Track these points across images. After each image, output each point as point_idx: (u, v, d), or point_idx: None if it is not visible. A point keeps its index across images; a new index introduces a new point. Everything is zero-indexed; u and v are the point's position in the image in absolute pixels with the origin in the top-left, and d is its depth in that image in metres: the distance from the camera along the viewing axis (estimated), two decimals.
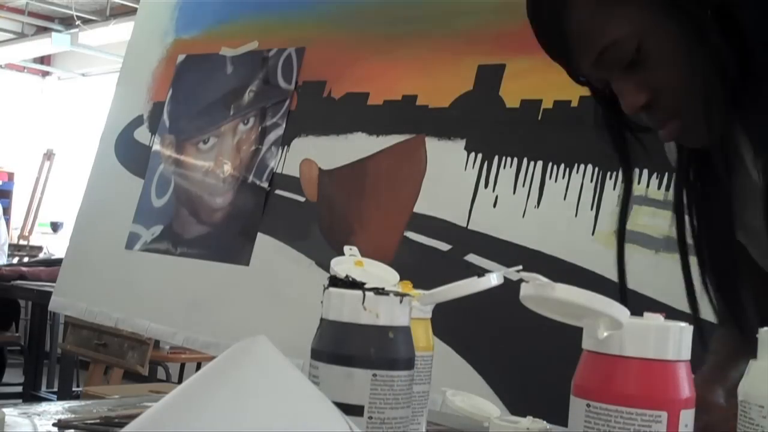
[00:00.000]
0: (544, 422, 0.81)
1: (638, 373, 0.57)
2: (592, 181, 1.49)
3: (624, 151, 0.96)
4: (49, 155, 8.58)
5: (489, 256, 1.58)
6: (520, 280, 0.69)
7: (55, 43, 7.39)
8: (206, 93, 2.28)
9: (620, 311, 0.58)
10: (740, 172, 0.89)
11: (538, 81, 1.61)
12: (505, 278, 0.69)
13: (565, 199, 1.51)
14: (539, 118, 1.59)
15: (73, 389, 4.23)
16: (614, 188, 1.45)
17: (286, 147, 2.02)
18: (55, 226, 8.00)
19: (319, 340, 0.68)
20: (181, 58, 2.42)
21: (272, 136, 2.07)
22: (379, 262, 0.87)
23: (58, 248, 6.22)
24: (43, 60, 9.15)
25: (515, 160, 1.60)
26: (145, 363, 3.48)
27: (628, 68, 0.83)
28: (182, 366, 4.30)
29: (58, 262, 3.65)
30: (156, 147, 2.36)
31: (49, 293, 2.65)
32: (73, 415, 1.00)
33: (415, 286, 0.80)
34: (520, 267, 0.65)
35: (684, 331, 0.59)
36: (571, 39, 0.85)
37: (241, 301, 2.04)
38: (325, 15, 2.05)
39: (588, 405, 0.58)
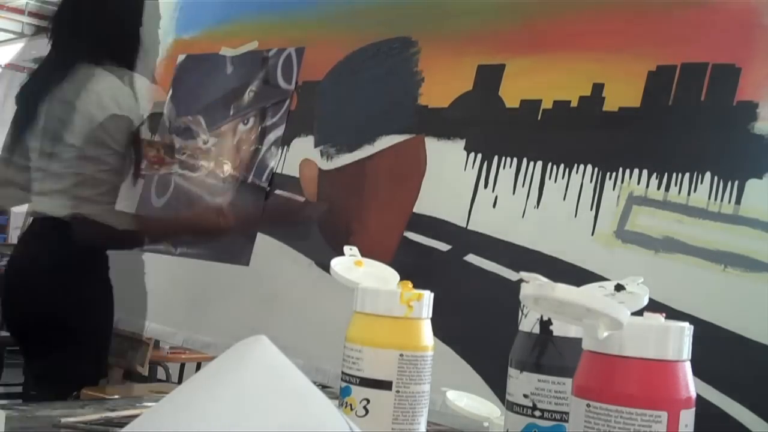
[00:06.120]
0: None
1: (638, 373, 0.57)
2: (591, 181, 1.49)
3: None
4: None
5: (489, 257, 1.58)
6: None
7: None
8: (206, 93, 2.28)
9: (620, 311, 0.58)
10: None
11: (538, 81, 1.61)
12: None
13: (564, 199, 1.51)
14: (539, 118, 1.59)
15: None
16: (614, 188, 1.45)
17: (286, 147, 2.02)
18: None
19: None
20: (181, 58, 2.42)
21: (272, 136, 2.07)
22: (378, 262, 0.87)
23: None
24: None
25: (515, 160, 1.60)
26: (145, 363, 3.49)
27: None
28: (182, 366, 4.30)
29: None
30: None
31: None
32: (73, 416, 1.00)
33: (415, 286, 0.81)
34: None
35: (684, 331, 0.59)
36: None
37: (241, 301, 2.04)
38: (325, 15, 2.05)
39: (588, 405, 0.58)
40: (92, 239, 1.87)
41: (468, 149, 1.67)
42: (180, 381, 3.97)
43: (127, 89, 1.94)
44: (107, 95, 1.86)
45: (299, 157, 1.97)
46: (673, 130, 1.42)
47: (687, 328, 0.59)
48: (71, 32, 1.93)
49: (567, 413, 0.66)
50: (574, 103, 1.54)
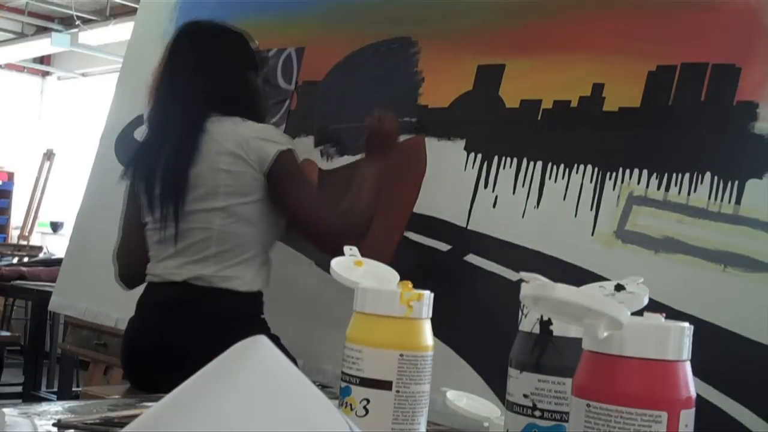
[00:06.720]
0: None
1: (638, 373, 0.57)
2: (591, 181, 1.49)
3: None
4: (49, 155, 8.58)
5: (489, 257, 1.58)
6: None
7: (54, 43, 7.39)
8: None
9: (620, 311, 0.58)
10: None
11: (538, 81, 1.61)
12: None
13: (564, 199, 1.51)
14: (539, 118, 1.59)
15: (73, 389, 4.23)
16: (614, 188, 1.45)
17: None
18: (55, 226, 8.00)
19: None
20: None
21: None
22: (378, 262, 0.87)
23: (58, 248, 6.23)
24: (43, 60, 9.14)
25: (515, 160, 1.60)
26: None
27: None
28: None
29: (58, 262, 3.65)
30: None
31: (49, 293, 2.64)
32: (73, 415, 1.00)
33: (415, 287, 0.80)
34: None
35: (684, 331, 0.59)
36: None
37: None
38: (325, 15, 2.05)
39: (588, 405, 0.58)
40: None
41: (468, 149, 1.67)
42: None
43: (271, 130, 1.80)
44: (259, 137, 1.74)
45: (299, 157, 1.97)
46: (673, 130, 1.42)
47: (687, 328, 0.59)
48: (192, 90, 1.79)
49: (567, 413, 0.66)
50: (574, 103, 1.54)
